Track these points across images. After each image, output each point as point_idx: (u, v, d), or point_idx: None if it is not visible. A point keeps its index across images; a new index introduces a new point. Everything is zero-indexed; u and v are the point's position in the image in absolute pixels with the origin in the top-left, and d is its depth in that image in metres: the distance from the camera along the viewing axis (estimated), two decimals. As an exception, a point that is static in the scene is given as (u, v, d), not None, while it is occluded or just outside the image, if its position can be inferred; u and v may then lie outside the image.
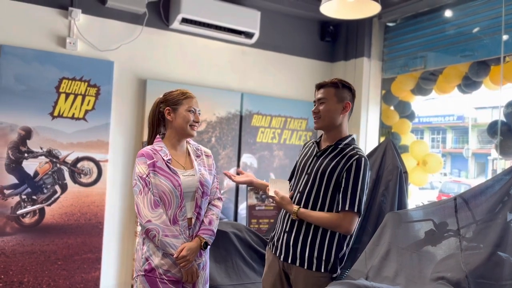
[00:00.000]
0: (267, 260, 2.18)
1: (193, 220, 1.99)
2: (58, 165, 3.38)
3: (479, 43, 3.53)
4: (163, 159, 1.97)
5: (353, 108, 2.08)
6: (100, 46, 3.55)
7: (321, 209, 1.98)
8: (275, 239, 2.12)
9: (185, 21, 3.73)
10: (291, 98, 4.44)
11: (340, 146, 2.03)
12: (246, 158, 4.18)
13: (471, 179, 13.55)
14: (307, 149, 2.20)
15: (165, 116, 2.05)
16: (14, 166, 3.23)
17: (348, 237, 2.00)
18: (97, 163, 3.50)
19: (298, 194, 2.05)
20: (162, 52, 3.83)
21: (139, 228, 2.22)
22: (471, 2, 3.62)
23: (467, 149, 14.45)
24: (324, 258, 1.95)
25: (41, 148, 3.32)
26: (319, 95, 2.05)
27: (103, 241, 3.53)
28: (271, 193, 2.06)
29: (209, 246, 2.04)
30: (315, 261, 1.96)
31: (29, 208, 3.27)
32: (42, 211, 3.32)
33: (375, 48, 4.39)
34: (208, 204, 2.11)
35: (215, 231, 2.07)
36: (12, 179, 3.22)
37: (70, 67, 3.40)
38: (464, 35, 3.65)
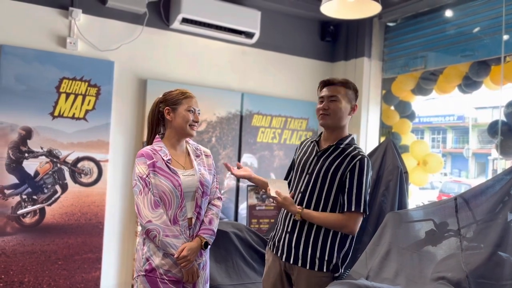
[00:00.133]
0: (267, 261, 2.17)
1: (193, 220, 1.99)
2: (58, 165, 3.38)
3: (479, 43, 3.53)
4: (162, 159, 1.97)
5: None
6: (100, 46, 3.55)
7: (324, 210, 1.97)
8: (276, 239, 2.11)
9: (185, 21, 3.73)
10: (292, 98, 4.44)
11: (341, 146, 2.02)
12: (246, 158, 4.17)
13: (472, 179, 13.55)
14: (305, 148, 2.17)
15: (165, 116, 2.04)
16: (15, 166, 3.23)
17: (350, 236, 2.00)
18: (97, 163, 3.50)
19: (300, 194, 2.04)
20: (163, 52, 3.83)
21: (139, 228, 2.22)
22: (471, 2, 3.61)
23: (468, 149, 14.45)
24: (326, 258, 1.95)
25: (42, 148, 3.32)
26: (329, 92, 2.01)
27: (104, 241, 3.53)
28: (272, 193, 2.03)
29: (209, 246, 2.04)
30: (317, 261, 1.95)
31: (30, 208, 3.28)
32: (42, 211, 3.32)
33: (376, 48, 4.39)
34: (208, 203, 2.11)
35: (216, 230, 2.06)
36: (12, 179, 3.22)
37: (71, 67, 3.40)
38: (465, 35, 3.65)
